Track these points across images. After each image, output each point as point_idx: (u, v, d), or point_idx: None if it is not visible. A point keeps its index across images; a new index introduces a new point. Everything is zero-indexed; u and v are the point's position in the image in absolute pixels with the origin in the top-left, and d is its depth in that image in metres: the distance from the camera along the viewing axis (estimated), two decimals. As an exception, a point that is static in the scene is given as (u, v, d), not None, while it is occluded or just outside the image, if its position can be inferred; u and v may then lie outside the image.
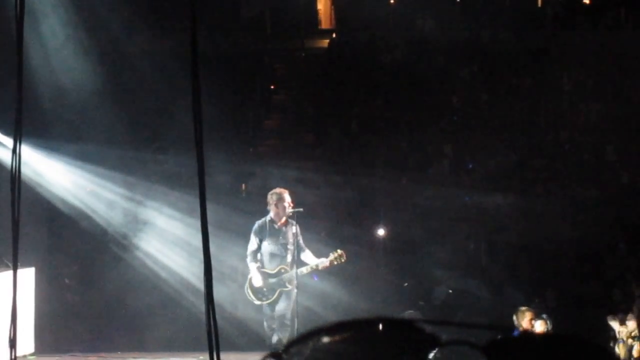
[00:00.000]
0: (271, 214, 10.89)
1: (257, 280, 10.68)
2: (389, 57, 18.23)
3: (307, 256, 10.91)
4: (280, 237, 10.84)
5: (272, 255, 10.82)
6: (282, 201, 10.84)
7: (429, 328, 1.39)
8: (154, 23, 14.85)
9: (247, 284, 10.79)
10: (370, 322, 1.40)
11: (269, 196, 10.98)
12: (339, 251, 10.99)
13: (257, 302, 10.76)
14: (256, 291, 10.71)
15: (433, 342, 1.38)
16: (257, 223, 10.89)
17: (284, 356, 1.41)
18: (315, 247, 11.19)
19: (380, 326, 1.39)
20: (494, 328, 1.44)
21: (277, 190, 11.00)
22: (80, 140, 13.96)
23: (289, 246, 10.88)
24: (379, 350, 1.39)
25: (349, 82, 17.56)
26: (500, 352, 1.37)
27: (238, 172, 14.56)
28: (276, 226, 10.83)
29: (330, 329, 1.41)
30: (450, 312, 13.10)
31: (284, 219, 10.85)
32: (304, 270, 10.86)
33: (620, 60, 17.78)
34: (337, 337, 1.40)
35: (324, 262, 10.91)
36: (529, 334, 2.75)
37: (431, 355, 1.40)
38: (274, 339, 10.76)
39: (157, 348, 12.86)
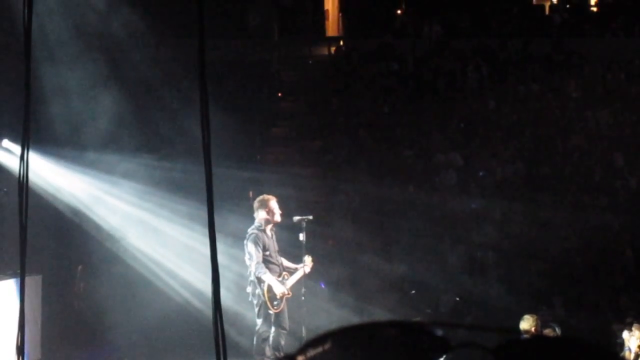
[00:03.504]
0: (260, 222, 10.78)
1: (279, 289, 10.62)
2: (396, 65, 18.24)
3: (287, 263, 10.99)
4: (275, 244, 10.85)
5: (272, 263, 10.79)
6: (271, 208, 10.79)
7: (439, 331, 1.39)
8: (162, 30, 14.89)
9: (263, 293, 10.68)
10: (382, 326, 1.40)
11: (256, 203, 10.91)
12: (310, 260, 10.97)
13: (271, 312, 10.71)
14: (273, 299, 10.65)
15: (443, 345, 1.38)
16: (254, 233, 10.73)
17: (299, 359, 1.41)
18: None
19: (392, 330, 1.39)
20: (503, 331, 1.44)
21: (265, 197, 10.93)
22: (88, 148, 13.99)
23: (279, 253, 10.90)
24: (389, 354, 1.39)
25: (356, 90, 17.56)
26: (510, 354, 1.36)
27: (245, 179, 14.57)
28: (268, 233, 10.80)
29: (341, 332, 1.41)
30: (458, 320, 13.07)
31: (270, 225, 10.82)
32: (296, 277, 10.89)
33: (628, 67, 17.79)
34: (348, 341, 1.40)
35: (306, 269, 10.92)
36: (538, 337, 2.74)
37: (442, 358, 1.39)
38: (274, 344, 10.73)
39: (165, 355, 12.86)
